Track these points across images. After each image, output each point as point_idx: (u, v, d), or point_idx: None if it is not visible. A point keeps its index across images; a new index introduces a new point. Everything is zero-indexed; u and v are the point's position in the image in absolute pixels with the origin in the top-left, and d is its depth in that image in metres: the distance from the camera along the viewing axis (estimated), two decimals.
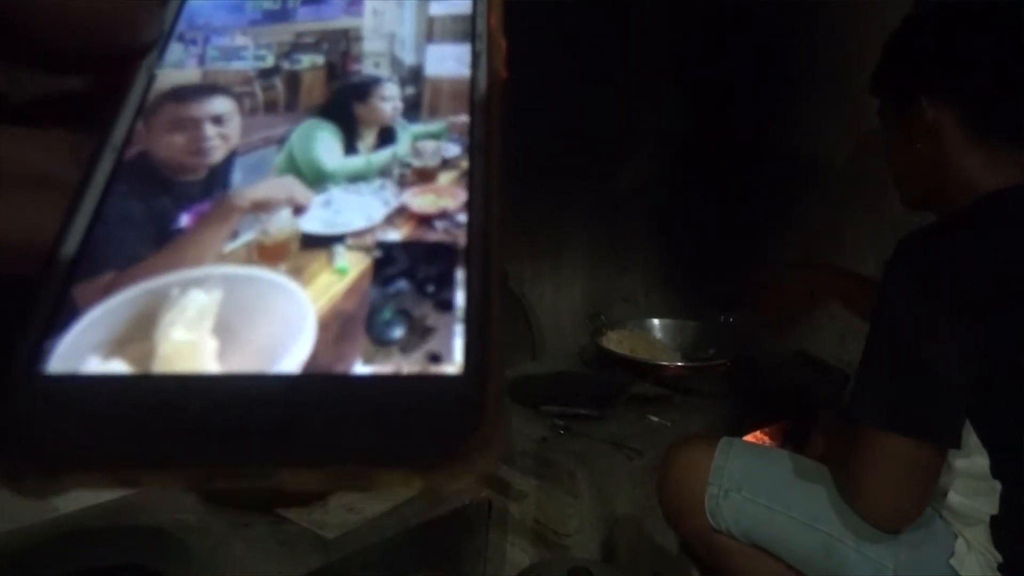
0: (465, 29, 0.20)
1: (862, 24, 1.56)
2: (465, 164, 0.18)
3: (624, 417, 1.48)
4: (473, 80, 0.19)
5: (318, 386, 0.14)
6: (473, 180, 0.17)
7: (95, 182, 0.17)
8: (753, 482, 1.10)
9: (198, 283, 0.16)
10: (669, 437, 1.41)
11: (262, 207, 0.17)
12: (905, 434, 0.89)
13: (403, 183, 0.18)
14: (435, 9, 0.21)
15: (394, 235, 0.17)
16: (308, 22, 0.21)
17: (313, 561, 1.11)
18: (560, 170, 1.81)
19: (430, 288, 0.15)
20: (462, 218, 0.17)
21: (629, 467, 1.35)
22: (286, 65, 0.20)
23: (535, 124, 1.58)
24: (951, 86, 0.96)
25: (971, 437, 0.94)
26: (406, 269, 0.16)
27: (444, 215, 0.17)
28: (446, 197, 0.17)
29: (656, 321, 1.86)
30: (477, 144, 0.18)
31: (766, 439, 1.65)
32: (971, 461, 0.96)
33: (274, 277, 0.16)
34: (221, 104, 0.19)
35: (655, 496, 1.25)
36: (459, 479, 0.14)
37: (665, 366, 1.63)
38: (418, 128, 0.18)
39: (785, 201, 1.77)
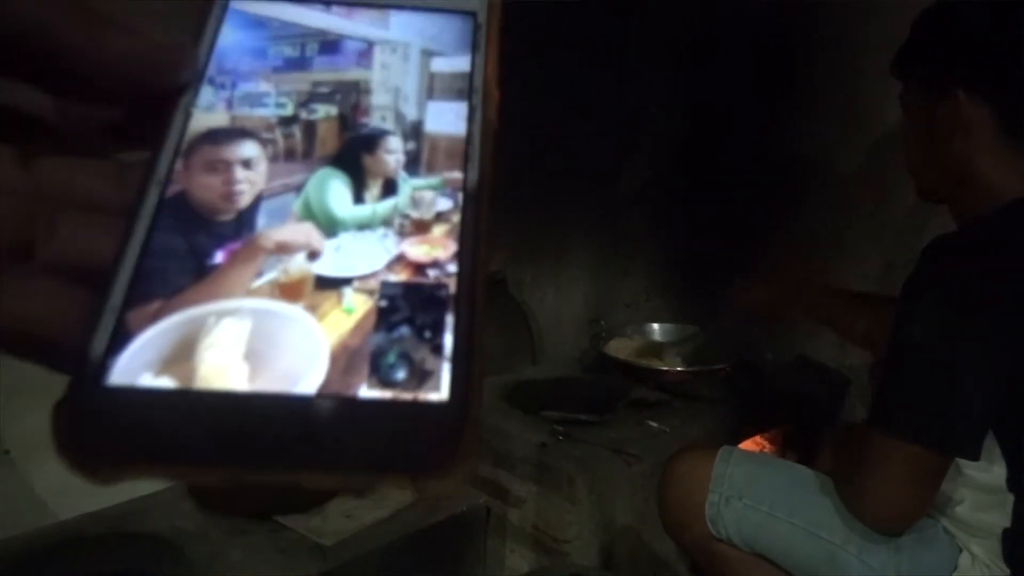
0: (462, 86, 0.22)
1: (862, 26, 1.56)
2: (456, 218, 0.20)
3: (624, 422, 1.48)
4: (468, 133, 0.21)
5: (331, 406, 0.17)
6: (464, 228, 0.20)
7: (143, 215, 0.19)
8: (755, 489, 1.09)
9: (231, 313, 0.18)
10: (668, 442, 1.41)
11: (284, 249, 0.20)
12: (924, 445, 0.87)
13: (402, 232, 0.20)
14: (436, 66, 0.23)
15: (393, 280, 0.19)
16: (323, 71, 0.23)
17: (311, 568, 1.11)
18: (561, 174, 1.81)
19: (427, 333, 0.18)
20: (451, 267, 0.19)
21: (628, 473, 1.35)
22: (304, 114, 0.22)
23: (536, 128, 1.58)
24: (992, 83, 0.91)
25: (989, 448, 0.93)
26: (407, 316, 0.19)
27: (436, 264, 0.19)
28: (438, 248, 0.20)
29: (656, 326, 1.86)
30: (470, 195, 0.20)
31: (766, 444, 1.64)
32: (985, 472, 0.95)
33: (294, 312, 0.19)
34: (250, 149, 0.21)
35: (654, 502, 1.25)
36: (442, 485, 0.17)
37: (665, 371, 1.62)
38: (417, 181, 0.21)
39: (786, 205, 1.77)
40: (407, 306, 0.19)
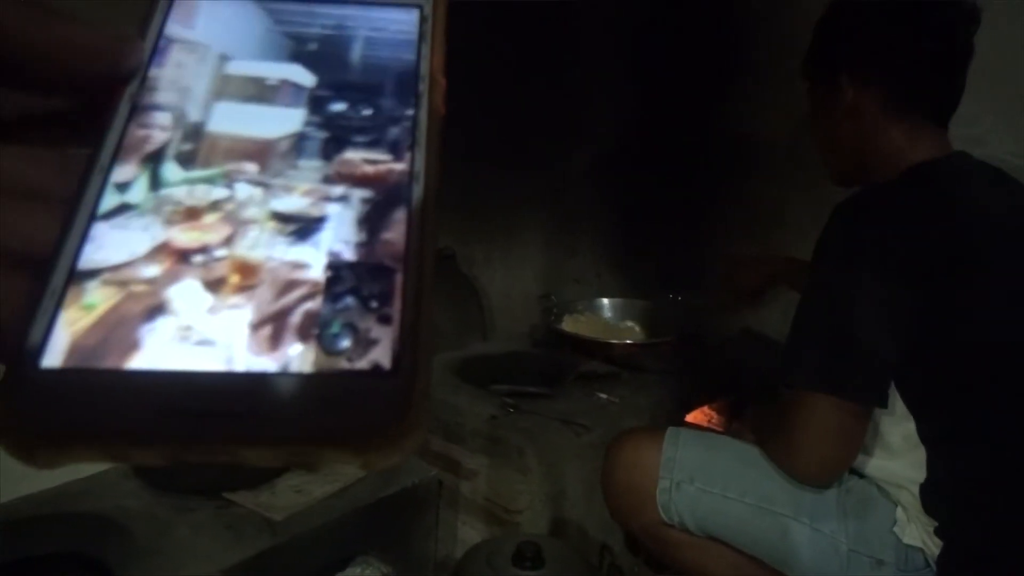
0: (255, 91, 0.23)
1: (803, 5, 1.59)
2: (231, 206, 0.20)
3: (573, 395, 1.50)
4: (415, 118, 0.22)
5: (274, 380, 0.17)
6: (411, 206, 0.20)
7: (85, 202, 0.19)
8: (705, 471, 1.08)
9: None
10: (617, 413, 1.44)
11: None
12: (830, 393, 0.92)
13: (170, 221, 0.20)
14: (231, 69, 0.23)
15: (153, 270, 0.19)
16: None
17: (260, 544, 1.10)
18: (510, 153, 1.81)
19: (373, 303, 0.18)
20: (221, 252, 0.19)
21: (578, 443, 1.37)
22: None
23: (485, 108, 1.58)
24: (871, 67, 1.01)
25: (899, 403, 0.97)
26: (352, 287, 0.19)
27: (205, 249, 0.19)
28: (210, 233, 0.20)
29: (606, 301, 1.88)
30: (416, 174, 0.21)
31: (713, 414, 1.68)
32: (899, 426, 0.99)
33: None
34: None
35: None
36: (389, 459, 0.16)
37: (614, 344, 1.65)
38: (193, 173, 0.21)
39: (730, 181, 1.81)
40: (353, 277, 0.19)
